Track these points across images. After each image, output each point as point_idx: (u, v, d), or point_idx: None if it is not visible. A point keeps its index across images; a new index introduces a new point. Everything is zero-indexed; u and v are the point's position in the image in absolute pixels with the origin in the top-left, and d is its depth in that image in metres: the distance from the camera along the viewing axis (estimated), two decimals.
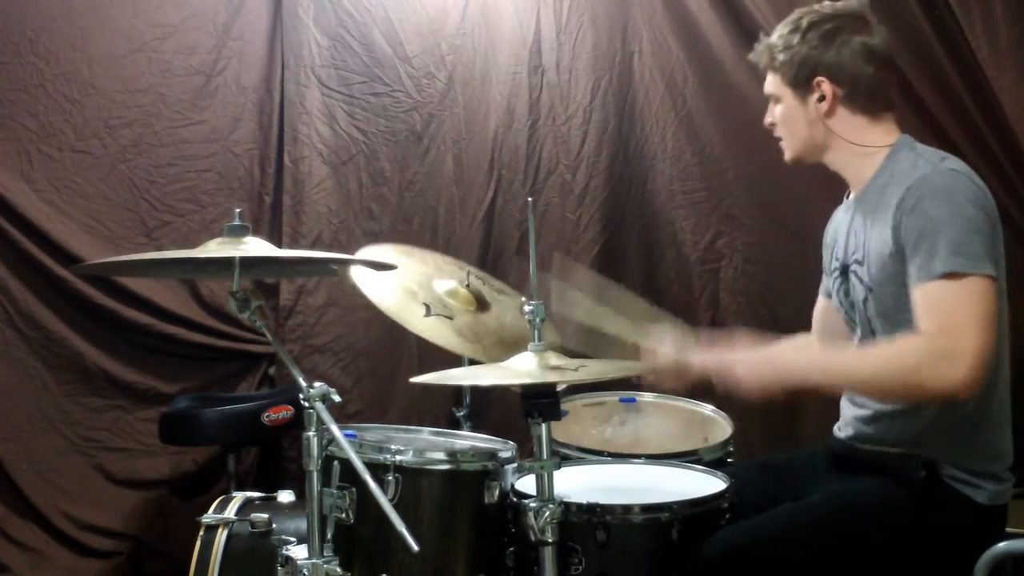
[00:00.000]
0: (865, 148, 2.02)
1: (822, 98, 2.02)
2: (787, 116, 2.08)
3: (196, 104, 3.44)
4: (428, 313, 2.46)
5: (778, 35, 2.08)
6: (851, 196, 2.12)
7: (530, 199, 2.11)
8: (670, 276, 3.46)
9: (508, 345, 2.33)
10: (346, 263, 2.40)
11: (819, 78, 2.02)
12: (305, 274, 3.18)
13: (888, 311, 1.93)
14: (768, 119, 2.14)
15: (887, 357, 1.85)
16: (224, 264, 1.96)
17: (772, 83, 2.10)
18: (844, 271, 2.06)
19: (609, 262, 3.46)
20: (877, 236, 1.94)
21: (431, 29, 3.52)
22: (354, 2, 3.49)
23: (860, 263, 2.00)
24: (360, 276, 2.43)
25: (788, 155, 2.13)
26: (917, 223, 1.85)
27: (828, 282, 2.20)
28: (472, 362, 2.67)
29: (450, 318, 2.50)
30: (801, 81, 2.03)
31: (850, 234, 2.05)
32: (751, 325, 3.27)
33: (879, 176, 2.00)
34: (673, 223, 3.45)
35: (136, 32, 3.39)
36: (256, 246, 1.95)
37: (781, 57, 2.05)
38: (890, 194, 1.93)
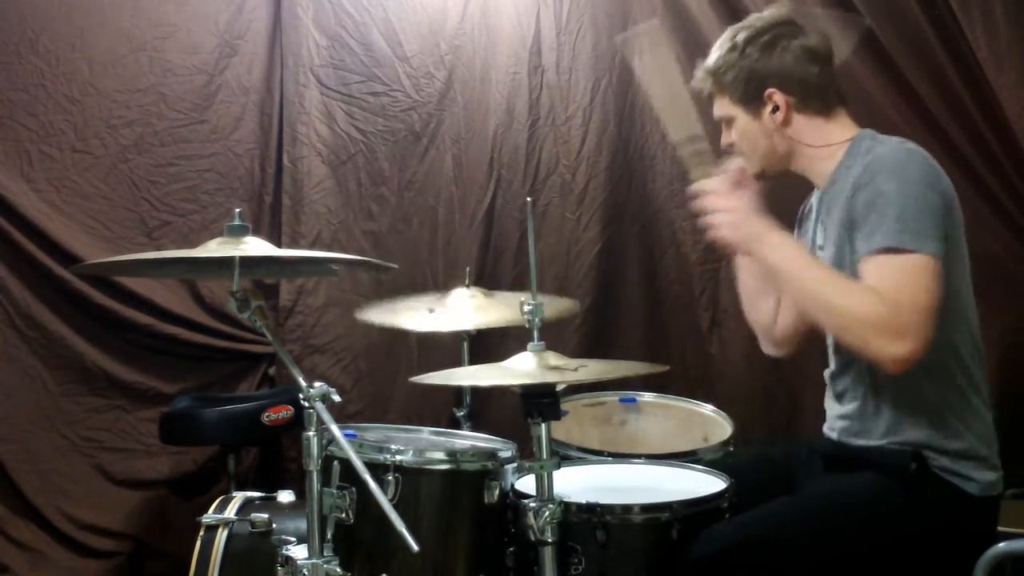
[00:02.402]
0: (827, 147, 2.03)
1: (775, 109, 2.03)
2: (744, 134, 2.09)
3: (197, 104, 3.44)
4: (431, 311, 2.49)
5: (715, 57, 2.08)
6: (816, 192, 2.14)
7: (529, 199, 2.11)
8: (670, 276, 3.45)
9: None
10: (345, 263, 2.40)
11: (769, 90, 2.03)
12: (305, 274, 3.18)
13: None
14: (725, 141, 2.14)
15: (852, 298, 1.82)
16: (224, 264, 1.96)
17: (722, 106, 2.10)
18: None
19: (609, 262, 3.46)
20: (834, 217, 1.97)
21: (430, 29, 3.52)
22: (353, 2, 3.50)
23: (823, 248, 2.03)
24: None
25: (751, 171, 2.12)
26: (867, 197, 1.86)
27: None
28: (472, 362, 2.69)
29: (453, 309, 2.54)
30: (751, 96, 2.05)
31: (817, 225, 2.09)
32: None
33: (841, 166, 2.01)
34: (673, 223, 3.44)
35: (137, 32, 3.39)
36: (256, 246, 1.95)
37: (726, 78, 2.06)
38: (850, 176, 1.95)
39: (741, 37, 2.05)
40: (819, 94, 2.04)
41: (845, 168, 1.99)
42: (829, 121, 2.05)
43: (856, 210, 1.88)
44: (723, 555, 1.84)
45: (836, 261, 1.96)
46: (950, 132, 3.15)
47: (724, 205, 1.99)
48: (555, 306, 2.19)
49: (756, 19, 2.08)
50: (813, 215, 2.12)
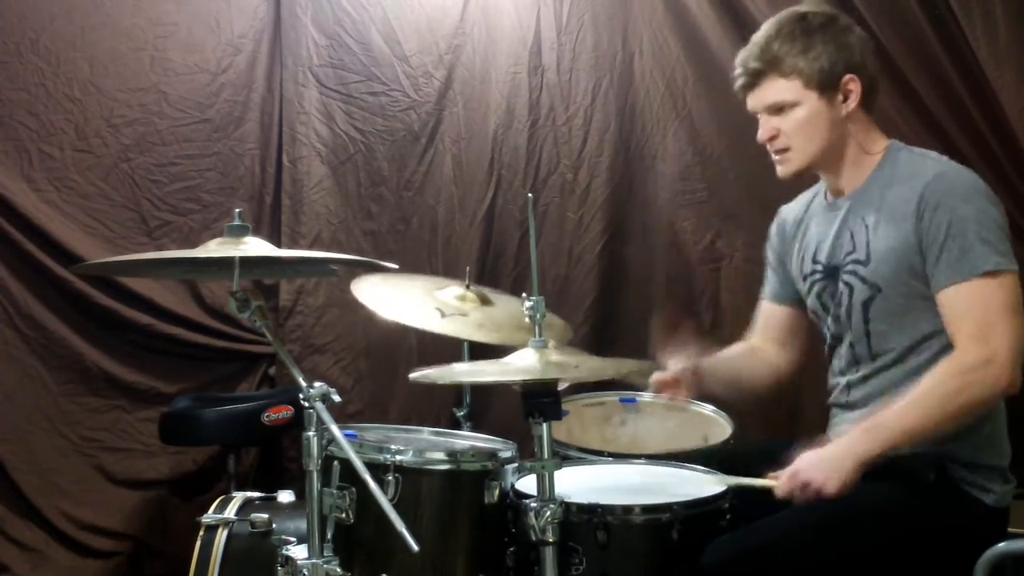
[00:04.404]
0: (869, 150, 2.02)
1: (846, 97, 1.99)
2: (808, 121, 2.00)
3: (199, 103, 3.44)
4: (443, 315, 2.48)
5: (783, 40, 1.99)
6: (827, 198, 2.11)
7: (531, 195, 2.11)
8: (671, 276, 3.45)
9: (529, 329, 2.33)
10: (345, 263, 2.40)
11: (848, 76, 1.98)
12: (305, 275, 3.17)
13: (896, 309, 1.94)
14: (767, 133, 2.05)
15: (935, 392, 1.83)
16: (224, 264, 1.96)
17: (782, 90, 2.00)
18: (831, 273, 2.05)
19: (610, 262, 3.46)
20: (889, 234, 1.93)
21: (429, 28, 3.52)
22: (352, 1, 3.50)
23: (862, 263, 1.98)
24: (369, 298, 2.44)
25: (792, 167, 2.05)
26: (943, 220, 1.85)
27: (782, 287, 2.21)
28: (472, 357, 2.67)
29: (464, 315, 2.52)
30: (831, 81, 1.98)
31: (841, 235, 2.04)
32: (751, 325, 3.31)
33: (877, 176, 2.00)
34: (674, 223, 3.44)
35: (137, 31, 3.39)
36: (255, 246, 1.95)
37: (801, 61, 1.97)
38: (899, 192, 1.93)
39: (816, 21, 1.99)
40: (876, 91, 2.03)
41: (885, 179, 1.98)
42: (871, 124, 2.04)
43: (929, 233, 1.86)
44: (737, 561, 1.84)
45: (892, 281, 1.94)
46: (950, 132, 3.16)
47: (795, 477, 1.87)
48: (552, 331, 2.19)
49: (816, 6, 2.04)
50: (832, 225, 2.06)
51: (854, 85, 1.99)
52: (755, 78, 2.03)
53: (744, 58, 2.05)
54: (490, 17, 3.52)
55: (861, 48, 2.00)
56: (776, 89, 2.01)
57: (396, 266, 2.29)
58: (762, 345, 2.33)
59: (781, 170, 2.07)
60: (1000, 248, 1.84)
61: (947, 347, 1.89)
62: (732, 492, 2.01)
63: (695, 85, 3.42)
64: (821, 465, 1.83)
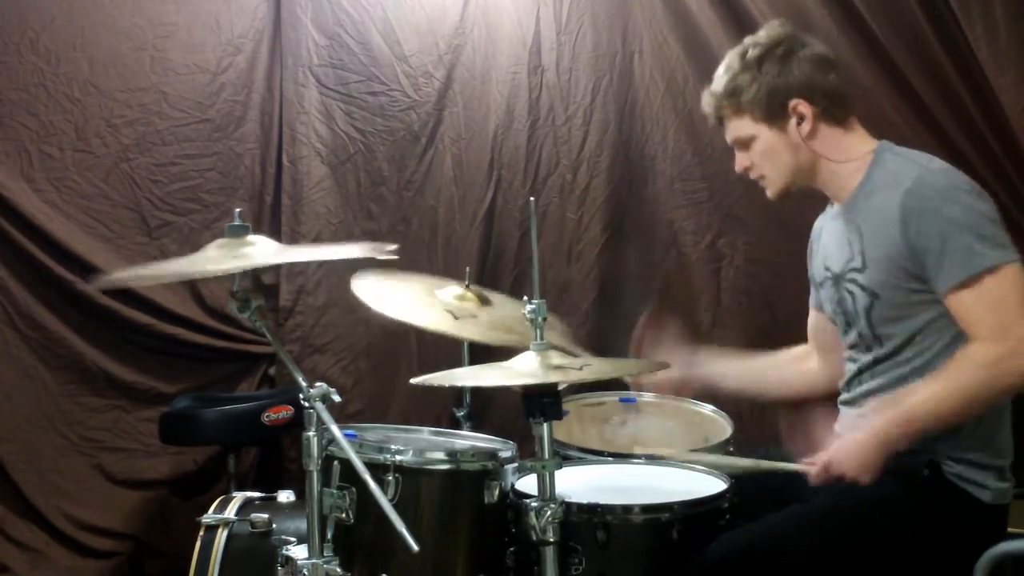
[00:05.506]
0: (848, 160, 2.02)
1: (800, 120, 2.01)
2: (768, 151, 2.05)
3: (199, 103, 3.43)
4: (456, 318, 2.47)
5: (728, 79, 2.05)
6: (835, 206, 2.12)
7: (532, 199, 2.11)
8: (671, 276, 3.45)
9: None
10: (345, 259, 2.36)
11: (794, 101, 2.01)
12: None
13: (896, 314, 1.94)
14: (741, 165, 2.12)
15: (960, 379, 1.83)
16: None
17: (739, 127, 2.07)
18: (837, 281, 2.06)
19: (610, 262, 3.46)
20: (879, 241, 1.94)
21: (429, 28, 3.51)
22: (352, 1, 3.49)
23: (860, 271, 1.99)
24: (370, 298, 2.44)
25: (774, 190, 2.10)
26: (934, 227, 1.85)
27: (817, 294, 2.21)
28: (473, 361, 2.68)
29: (475, 316, 2.52)
30: (776, 111, 2.02)
31: (842, 244, 2.05)
32: (752, 325, 3.31)
33: (866, 183, 2.00)
34: (674, 223, 3.44)
35: (137, 31, 3.39)
36: (261, 247, 1.94)
37: (745, 97, 2.03)
38: (882, 199, 1.94)
39: (753, 55, 2.03)
40: (840, 102, 2.04)
41: (871, 186, 1.98)
42: (848, 133, 2.04)
43: (921, 241, 1.86)
44: (735, 561, 1.84)
45: (886, 287, 1.94)
46: (950, 132, 3.16)
47: (829, 469, 1.89)
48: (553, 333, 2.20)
49: (760, 37, 2.07)
50: (836, 234, 2.08)
51: (804, 108, 2.01)
52: (718, 119, 2.12)
53: (704, 103, 2.13)
54: (490, 17, 3.52)
55: (805, 69, 2.01)
56: (735, 126, 2.09)
57: (395, 257, 2.27)
58: (811, 351, 2.33)
59: (768, 193, 2.14)
60: (999, 241, 1.84)
61: (948, 338, 1.90)
62: (736, 486, 2.01)
63: (695, 85, 3.41)
64: (853, 457, 1.86)
